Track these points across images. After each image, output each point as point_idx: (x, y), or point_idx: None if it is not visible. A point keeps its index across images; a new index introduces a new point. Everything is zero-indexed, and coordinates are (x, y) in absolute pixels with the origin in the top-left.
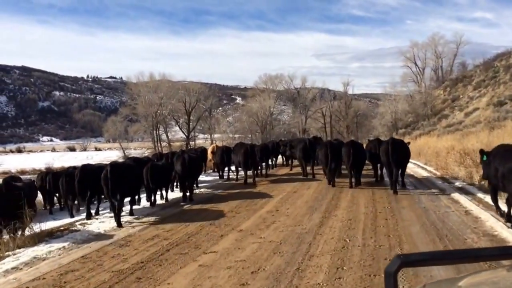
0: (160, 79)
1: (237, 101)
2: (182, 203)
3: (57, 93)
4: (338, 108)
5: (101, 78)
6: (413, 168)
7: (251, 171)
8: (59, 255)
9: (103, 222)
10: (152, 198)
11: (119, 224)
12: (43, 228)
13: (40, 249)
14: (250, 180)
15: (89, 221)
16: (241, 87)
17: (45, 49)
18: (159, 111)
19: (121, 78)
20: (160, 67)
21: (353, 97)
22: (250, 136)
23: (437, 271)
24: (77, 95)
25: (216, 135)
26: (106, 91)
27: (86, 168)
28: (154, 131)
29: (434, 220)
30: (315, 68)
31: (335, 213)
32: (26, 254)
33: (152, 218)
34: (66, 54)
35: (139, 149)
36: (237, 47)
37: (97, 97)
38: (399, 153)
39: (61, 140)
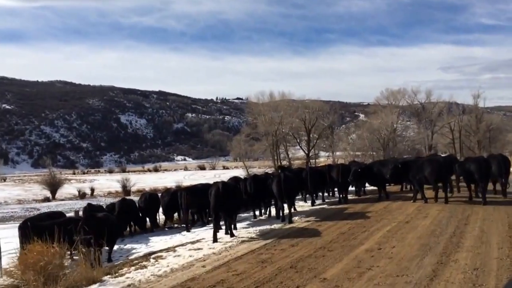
0: (279, 97)
1: (360, 118)
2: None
3: (189, 115)
4: (468, 123)
5: (228, 99)
6: None
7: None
8: None
9: (179, 256)
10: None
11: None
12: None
13: None
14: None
15: (164, 254)
16: (364, 104)
17: (178, 75)
18: (279, 130)
19: (247, 98)
20: (283, 87)
21: (485, 110)
22: (371, 153)
23: None
24: (207, 116)
25: (337, 153)
26: (234, 112)
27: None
28: (274, 149)
29: None
30: (442, 81)
31: (455, 257)
32: None
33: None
34: (197, 78)
35: (261, 168)
36: (359, 63)
37: (225, 118)
38: None
39: (193, 159)
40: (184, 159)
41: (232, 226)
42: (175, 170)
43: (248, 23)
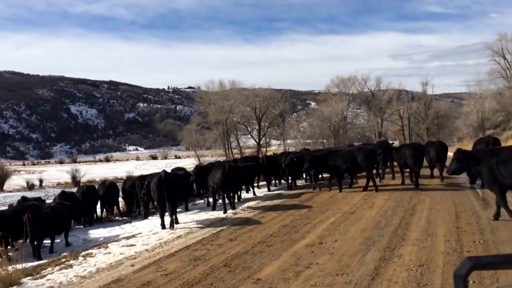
0: (230, 86)
1: (312, 106)
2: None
3: (141, 104)
4: (417, 110)
5: (180, 88)
6: None
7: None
8: None
9: (109, 254)
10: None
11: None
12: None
13: None
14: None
15: (94, 251)
16: (316, 92)
17: (129, 64)
18: (229, 118)
19: (199, 87)
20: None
21: (433, 97)
22: (322, 141)
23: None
24: (159, 106)
25: (288, 141)
26: (185, 101)
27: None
28: (225, 138)
29: None
30: (391, 69)
31: (399, 252)
32: None
33: (151, 250)
34: (148, 67)
35: (214, 157)
36: (309, 51)
37: (177, 107)
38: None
39: (145, 149)
40: (136, 149)
41: (174, 216)
42: (126, 160)
43: (199, 11)
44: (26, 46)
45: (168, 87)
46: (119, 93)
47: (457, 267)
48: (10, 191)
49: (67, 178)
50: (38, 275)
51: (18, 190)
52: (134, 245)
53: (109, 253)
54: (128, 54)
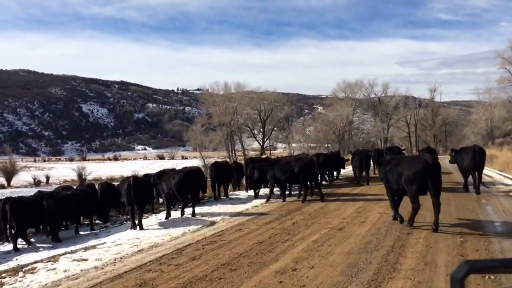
0: (235, 88)
1: (318, 110)
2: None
3: (150, 105)
4: (424, 116)
5: (189, 90)
6: None
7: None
8: None
9: (52, 270)
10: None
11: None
12: None
13: None
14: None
15: (39, 266)
16: (323, 96)
17: (140, 65)
18: (233, 120)
19: (207, 90)
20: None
21: (441, 104)
22: (326, 145)
23: None
24: (168, 107)
25: (293, 145)
26: (194, 102)
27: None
28: (229, 140)
29: None
30: (399, 75)
31: (389, 287)
32: None
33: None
34: (158, 68)
35: (219, 158)
36: (317, 56)
37: (186, 108)
38: None
39: (153, 149)
40: (144, 149)
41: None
42: (134, 159)
43: (209, 15)
44: (41, 46)
45: (177, 89)
46: (129, 93)
47: (454, 270)
48: (17, 187)
49: (74, 175)
50: None
51: (25, 186)
52: (87, 259)
53: (53, 269)
54: (139, 56)
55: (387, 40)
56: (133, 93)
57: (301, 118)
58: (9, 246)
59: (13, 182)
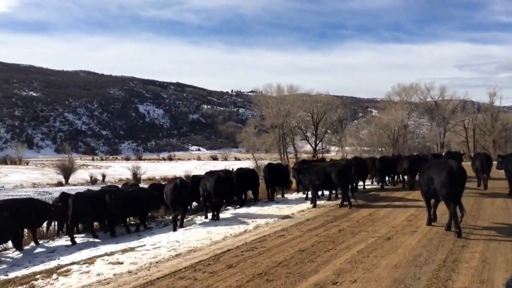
0: (287, 90)
1: (373, 113)
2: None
3: (205, 106)
4: (483, 121)
5: (243, 92)
6: None
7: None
8: None
9: (87, 273)
10: None
11: None
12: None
13: None
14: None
15: (74, 268)
16: (377, 99)
17: (195, 67)
18: (286, 122)
19: (261, 92)
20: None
21: (501, 109)
22: (380, 149)
23: None
24: (222, 108)
25: (347, 148)
26: (247, 104)
27: None
28: (281, 142)
29: None
30: (457, 79)
31: None
32: None
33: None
34: (213, 70)
35: (272, 160)
36: (372, 59)
37: (239, 110)
38: None
39: (207, 149)
40: (198, 149)
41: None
42: (188, 159)
43: (263, 17)
44: (100, 48)
45: (231, 90)
46: (184, 94)
47: (509, 279)
48: (75, 185)
49: (130, 174)
50: None
51: (82, 184)
52: (122, 263)
53: (87, 272)
54: (195, 58)
55: (444, 43)
56: (188, 95)
57: (355, 121)
58: (53, 244)
59: (70, 180)
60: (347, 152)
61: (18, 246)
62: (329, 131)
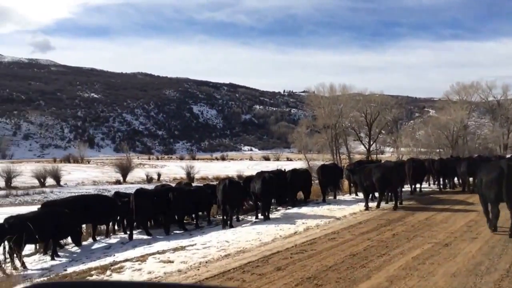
0: (340, 90)
1: (430, 113)
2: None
3: (257, 106)
4: None
5: (295, 92)
6: None
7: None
8: None
9: (139, 271)
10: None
11: None
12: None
13: None
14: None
15: (127, 265)
16: (435, 99)
17: (247, 68)
18: (338, 123)
19: (313, 92)
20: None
21: None
22: (438, 150)
23: None
24: (274, 109)
25: (402, 149)
26: (300, 104)
27: None
28: (333, 143)
29: None
30: None
31: None
32: None
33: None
34: (265, 71)
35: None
36: (429, 57)
37: (292, 110)
38: None
39: (259, 149)
40: (251, 150)
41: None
42: (240, 159)
43: (315, 17)
44: (156, 50)
45: (283, 91)
46: (237, 95)
47: None
48: (132, 183)
49: (184, 173)
50: None
51: (138, 182)
52: (173, 262)
53: (139, 269)
54: (247, 59)
55: (507, 40)
56: (241, 95)
57: (411, 121)
58: (109, 241)
59: (128, 178)
60: (402, 153)
61: (77, 242)
62: (383, 132)
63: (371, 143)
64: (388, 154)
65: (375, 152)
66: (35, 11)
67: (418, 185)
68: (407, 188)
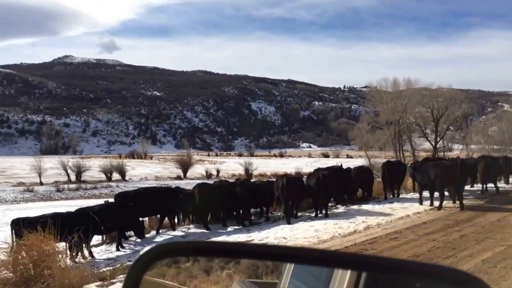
0: (404, 84)
1: (505, 108)
2: None
3: (316, 103)
4: None
5: (356, 88)
6: None
7: None
8: None
9: None
10: None
11: None
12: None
13: None
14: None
15: None
16: (509, 92)
17: (306, 63)
18: (402, 118)
19: (375, 87)
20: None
21: None
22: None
23: None
24: (334, 105)
25: (472, 146)
26: (361, 100)
27: None
28: (396, 140)
29: None
30: None
31: None
32: None
33: None
34: (325, 66)
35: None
36: (504, 48)
37: (352, 106)
38: None
39: (318, 146)
40: (309, 146)
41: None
42: (299, 156)
43: (378, 9)
44: (216, 48)
45: (344, 86)
46: (296, 91)
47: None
48: (192, 179)
49: (242, 170)
50: (107, 282)
51: (198, 178)
52: None
53: None
54: (306, 54)
55: None
56: (300, 91)
57: (483, 116)
58: (172, 233)
59: (188, 174)
60: (473, 150)
61: (140, 234)
62: (451, 128)
63: (438, 140)
64: (457, 152)
65: (442, 149)
66: (102, 13)
67: (492, 184)
68: (477, 187)
